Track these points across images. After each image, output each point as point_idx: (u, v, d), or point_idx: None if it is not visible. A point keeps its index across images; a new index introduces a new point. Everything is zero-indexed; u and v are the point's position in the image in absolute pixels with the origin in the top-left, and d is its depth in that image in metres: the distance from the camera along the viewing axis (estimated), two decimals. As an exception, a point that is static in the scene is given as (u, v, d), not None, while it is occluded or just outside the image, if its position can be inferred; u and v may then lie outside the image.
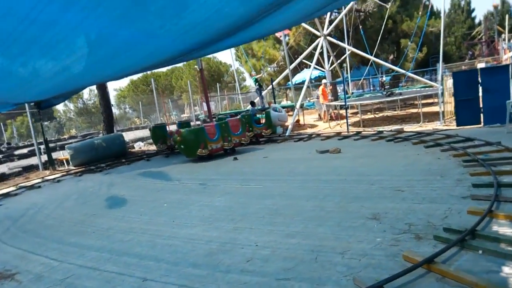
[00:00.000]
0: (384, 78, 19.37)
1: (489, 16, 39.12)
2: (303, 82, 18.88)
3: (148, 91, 50.67)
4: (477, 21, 39.10)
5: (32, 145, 21.96)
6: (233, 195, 5.99)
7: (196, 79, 45.93)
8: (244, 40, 7.34)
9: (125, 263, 3.90)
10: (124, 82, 77.89)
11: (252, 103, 13.35)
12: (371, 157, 7.42)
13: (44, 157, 12.05)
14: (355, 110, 16.68)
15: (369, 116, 17.56)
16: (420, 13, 19.89)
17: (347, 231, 3.93)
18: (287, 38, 27.72)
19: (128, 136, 21.66)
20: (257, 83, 17.14)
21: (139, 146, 16.80)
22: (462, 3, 39.99)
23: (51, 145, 14.14)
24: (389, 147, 8.39)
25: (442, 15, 16.90)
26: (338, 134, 11.39)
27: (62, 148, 14.67)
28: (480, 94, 9.45)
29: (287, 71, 16.55)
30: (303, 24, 20.84)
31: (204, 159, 9.87)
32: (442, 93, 11.28)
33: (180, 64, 40.03)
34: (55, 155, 13.25)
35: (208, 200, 5.90)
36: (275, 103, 15.05)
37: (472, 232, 3.41)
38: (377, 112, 18.38)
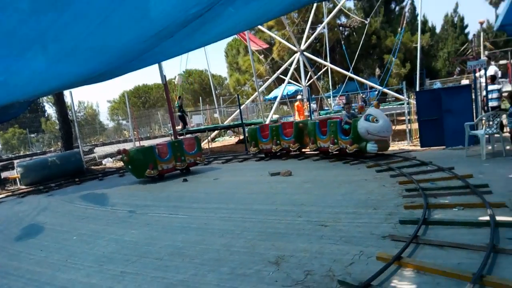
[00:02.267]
0: (363, 95, 18.95)
1: (478, 33, 38.97)
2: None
3: (139, 103, 50.35)
4: (470, 37, 38.80)
5: (4, 160, 21.34)
6: (151, 227, 5.43)
7: (188, 92, 45.65)
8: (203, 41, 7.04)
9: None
10: (116, 94, 77.79)
11: (347, 106, 9.85)
12: (317, 183, 6.90)
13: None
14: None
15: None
16: (399, 29, 19.63)
17: (234, 281, 3.38)
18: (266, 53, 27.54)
19: (105, 150, 21.18)
20: (179, 109, 15.52)
21: (106, 163, 16.23)
22: (456, 19, 39.83)
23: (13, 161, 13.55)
24: (341, 170, 7.87)
25: (419, 31, 16.69)
26: (302, 153, 10.87)
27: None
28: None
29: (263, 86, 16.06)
30: (281, 40, 20.60)
31: (154, 180, 9.33)
32: (409, 112, 10.86)
33: (173, 77, 39.57)
34: (9, 173, 12.68)
35: (122, 232, 5.34)
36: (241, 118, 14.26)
37: (366, 287, 2.89)
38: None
